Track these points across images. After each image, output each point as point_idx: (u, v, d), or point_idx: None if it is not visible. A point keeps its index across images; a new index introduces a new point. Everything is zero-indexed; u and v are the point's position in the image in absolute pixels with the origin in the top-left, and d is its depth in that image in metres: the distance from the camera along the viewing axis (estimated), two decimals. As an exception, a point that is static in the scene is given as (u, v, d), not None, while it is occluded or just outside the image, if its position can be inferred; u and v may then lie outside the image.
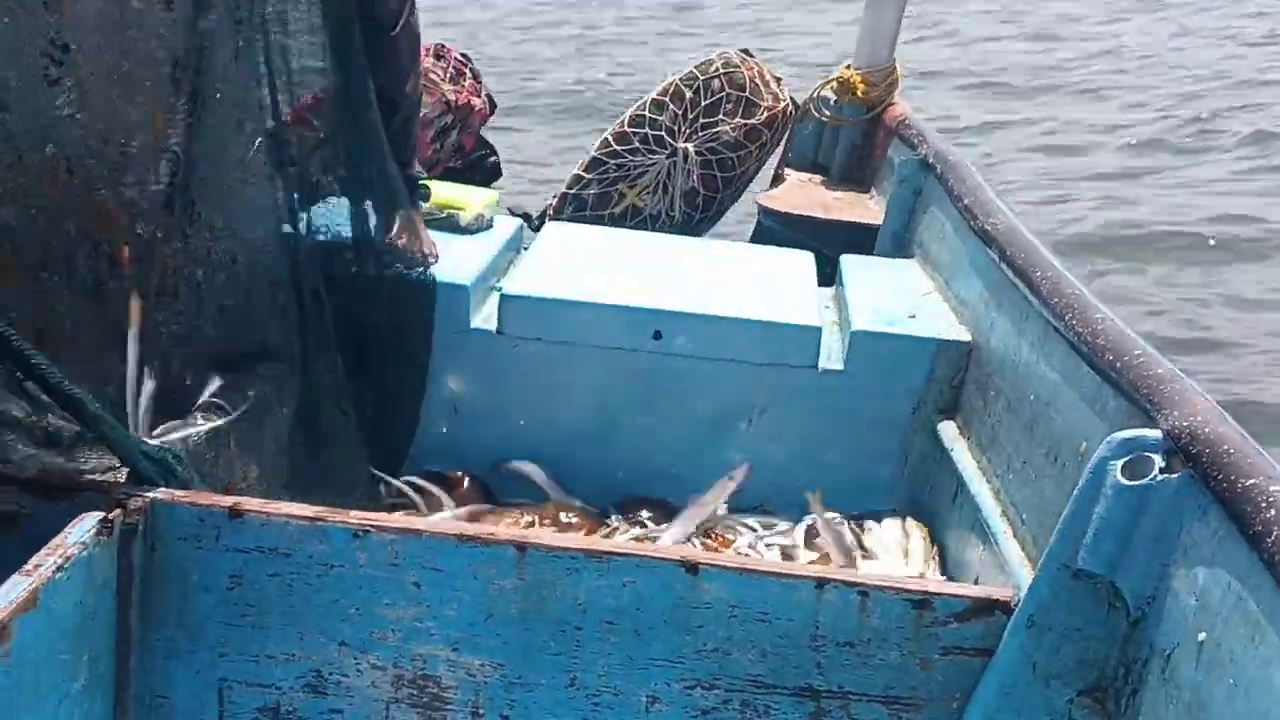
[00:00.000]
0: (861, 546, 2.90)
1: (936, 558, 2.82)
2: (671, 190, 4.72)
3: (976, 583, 2.45)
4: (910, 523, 2.97)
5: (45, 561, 1.68)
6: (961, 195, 3.31)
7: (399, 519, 1.99)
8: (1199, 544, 1.67)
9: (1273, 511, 1.51)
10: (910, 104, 4.70)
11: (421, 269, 3.04)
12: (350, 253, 2.93)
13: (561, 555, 1.92)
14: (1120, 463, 1.78)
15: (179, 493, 1.95)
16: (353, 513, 1.96)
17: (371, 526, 1.92)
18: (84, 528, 1.78)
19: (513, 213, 4.51)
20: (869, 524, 2.99)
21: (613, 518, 3.05)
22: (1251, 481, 1.57)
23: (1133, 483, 1.75)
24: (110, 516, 1.83)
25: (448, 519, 2.84)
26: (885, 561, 2.83)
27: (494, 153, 5.15)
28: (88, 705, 1.82)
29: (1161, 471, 1.74)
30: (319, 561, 1.92)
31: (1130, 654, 1.79)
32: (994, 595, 1.93)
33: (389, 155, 2.93)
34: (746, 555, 2.79)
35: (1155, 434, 1.78)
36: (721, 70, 4.76)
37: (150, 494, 1.90)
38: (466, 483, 3.06)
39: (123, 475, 1.93)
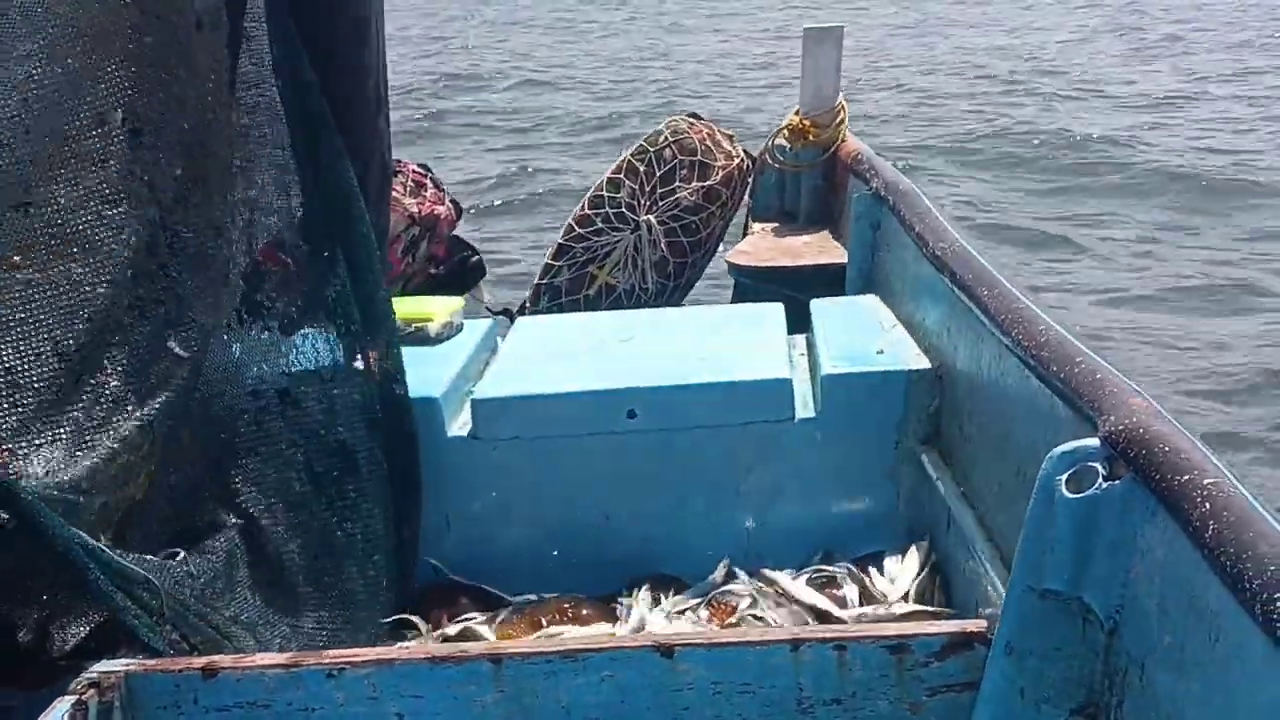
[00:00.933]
0: (868, 592, 2.87)
1: (940, 589, 2.80)
2: (641, 263, 4.76)
3: (976, 609, 2.42)
4: (912, 555, 2.94)
5: (20, 757, 1.69)
6: (913, 224, 3.31)
7: (373, 652, 2.00)
8: (1153, 547, 1.65)
9: (1208, 505, 1.50)
10: (864, 140, 4.73)
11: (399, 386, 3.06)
12: (331, 382, 2.96)
13: (537, 660, 1.92)
14: (1064, 476, 1.77)
15: (150, 661, 1.96)
16: (325, 652, 1.96)
17: (345, 663, 1.93)
18: (59, 714, 1.80)
19: (492, 311, 4.56)
20: (874, 569, 2.97)
21: (622, 600, 3.03)
22: (1187, 478, 1.56)
23: (1079, 495, 1.74)
24: (85, 698, 1.84)
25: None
26: (895, 603, 2.80)
27: (474, 251, 5.18)
28: None
29: (1104, 479, 1.73)
30: (298, 707, 1.92)
31: (1112, 665, 1.77)
32: (968, 628, 1.91)
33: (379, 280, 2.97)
34: (752, 619, 2.77)
35: (1094, 442, 1.77)
36: (671, 138, 4.81)
37: (122, 668, 1.91)
38: (464, 599, 3.05)
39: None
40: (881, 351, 3.10)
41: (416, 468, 3.04)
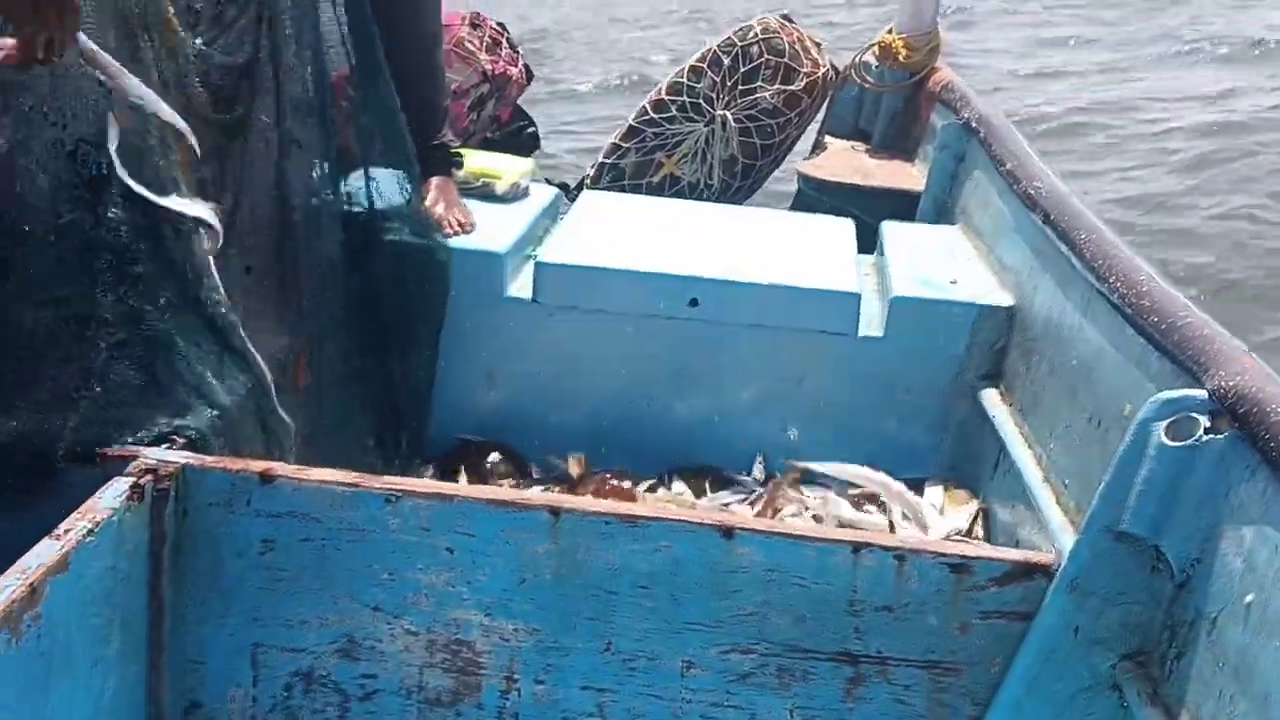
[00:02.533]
0: (912, 510, 2.87)
1: (981, 524, 2.78)
2: (710, 159, 4.67)
3: (1018, 548, 2.41)
4: (954, 489, 2.93)
5: (76, 525, 1.67)
6: (1004, 159, 3.25)
7: (431, 484, 1.98)
8: (1246, 505, 1.63)
9: None
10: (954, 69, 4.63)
11: (435, 238, 3.02)
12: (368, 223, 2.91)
13: (595, 520, 1.91)
14: (1164, 424, 1.74)
15: (209, 459, 1.94)
16: (385, 478, 1.95)
17: (403, 492, 1.91)
18: (115, 492, 1.78)
19: (550, 183, 4.49)
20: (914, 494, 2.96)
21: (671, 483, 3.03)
22: None
23: (1177, 444, 1.71)
24: (141, 482, 1.83)
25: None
26: (931, 528, 2.79)
27: (532, 123, 5.11)
28: (121, 669, 1.82)
29: (1206, 432, 1.70)
30: (351, 527, 1.91)
31: (1175, 617, 1.76)
32: (1034, 559, 1.89)
33: (404, 127, 2.92)
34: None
35: (1200, 394, 1.74)
36: (760, 36, 4.70)
37: (181, 459, 1.90)
38: (497, 455, 3.04)
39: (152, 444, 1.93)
40: (955, 281, 3.06)
41: (441, 320, 3.02)
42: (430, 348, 3.03)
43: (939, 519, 2.80)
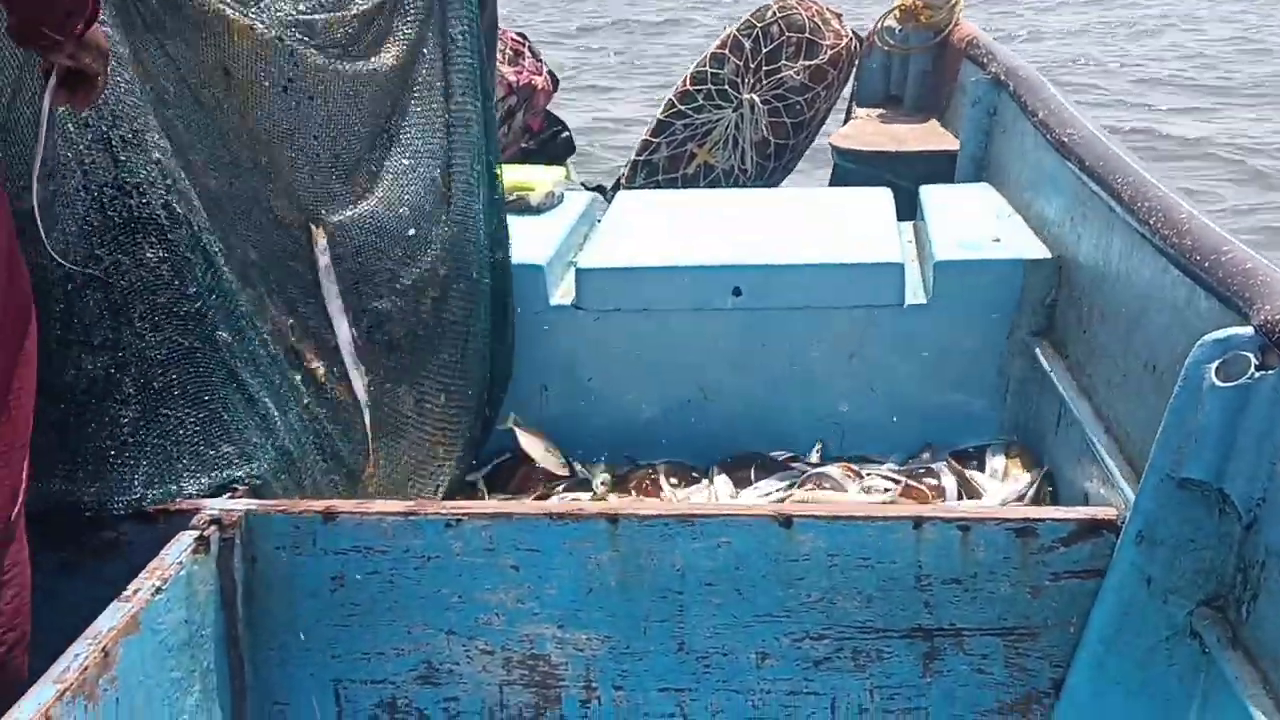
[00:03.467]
0: (967, 484, 2.84)
1: (1045, 485, 2.75)
2: (742, 143, 4.66)
3: (1087, 504, 2.38)
4: (1015, 453, 2.90)
5: (143, 585, 1.71)
6: (1036, 110, 3.21)
7: (491, 505, 2.00)
8: None
9: None
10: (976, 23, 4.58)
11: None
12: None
13: (654, 523, 1.91)
14: (1214, 365, 1.71)
15: (271, 503, 1.98)
16: (444, 503, 1.97)
17: (464, 515, 1.93)
18: (180, 547, 1.82)
19: (586, 187, 4.50)
20: (973, 462, 2.93)
21: (714, 478, 3.02)
22: None
23: (1228, 384, 1.68)
24: (206, 534, 1.86)
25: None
26: (993, 496, 2.77)
27: (565, 128, 5.13)
28: (205, 718, 1.86)
29: (1257, 369, 1.67)
30: (415, 555, 1.93)
31: (1246, 559, 1.73)
32: (1098, 515, 1.87)
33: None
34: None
35: (1247, 331, 1.71)
36: (778, 15, 4.68)
37: (243, 507, 1.93)
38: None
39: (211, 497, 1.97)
40: (998, 240, 3.02)
41: (511, 337, 3.03)
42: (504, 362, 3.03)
43: (999, 486, 2.77)
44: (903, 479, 2.89)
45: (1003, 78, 3.63)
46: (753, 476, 2.98)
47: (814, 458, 3.04)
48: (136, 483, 1.95)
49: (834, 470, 2.95)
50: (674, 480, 2.98)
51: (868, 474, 2.94)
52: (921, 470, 2.94)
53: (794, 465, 3.03)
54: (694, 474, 3.03)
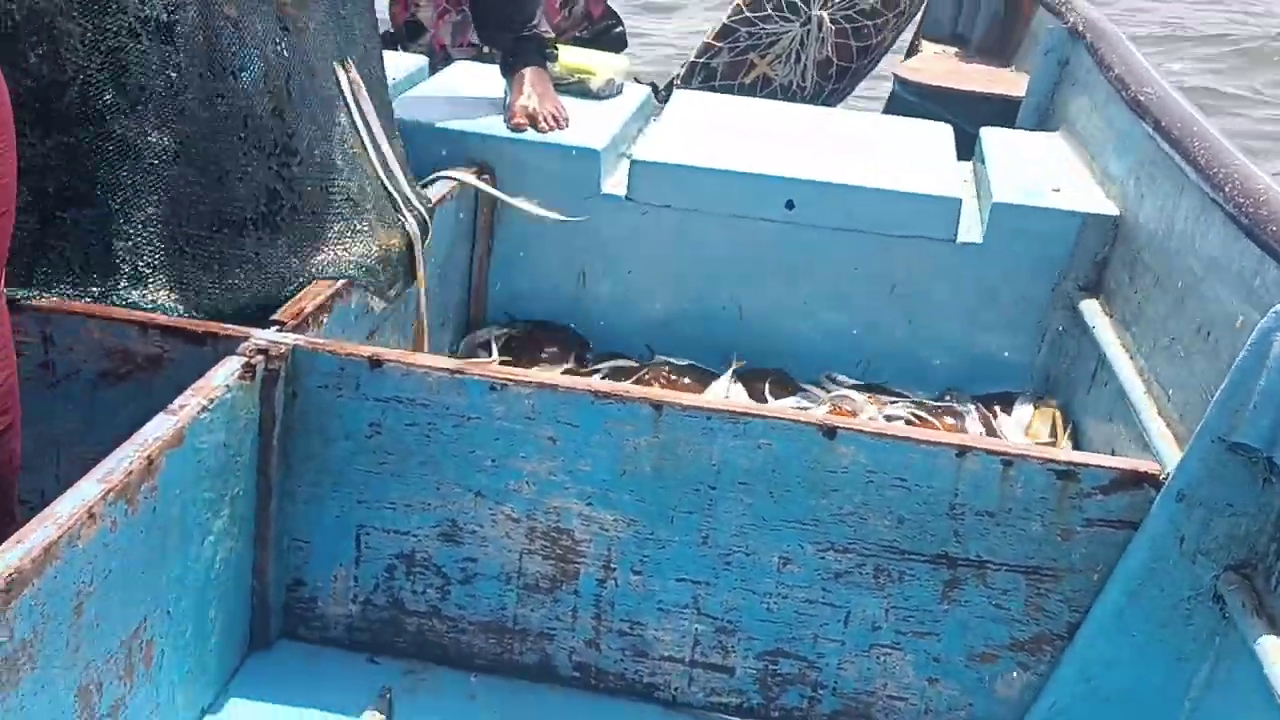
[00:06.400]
0: (990, 430, 2.84)
1: (1069, 439, 2.75)
2: (804, 60, 4.57)
3: None
4: (1041, 404, 2.90)
5: (190, 401, 1.70)
6: (1112, 65, 3.16)
7: (538, 375, 1.99)
8: None
9: None
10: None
11: None
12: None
13: (697, 415, 1.91)
14: None
15: (319, 341, 1.97)
16: (492, 365, 1.96)
17: (509, 380, 1.92)
18: (228, 370, 1.81)
19: (639, 81, 4.43)
20: (998, 409, 2.93)
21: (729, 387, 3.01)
22: None
23: None
24: (253, 362, 1.85)
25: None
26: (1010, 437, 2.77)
27: (620, 22, 5.04)
28: (229, 544, 1.86)
29: None
30: (456, 413, 1.93)
31: None
32: (1142, 468, 1.87)
33: None
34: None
35: None
36: (859, -66, 4.58)
37: (291, 340, 1.92)
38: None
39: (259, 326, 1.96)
40: (1059, 190, 2.99)
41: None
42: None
43: (1022, 436, 2.77)
44: (926, 415, 2.90)
45: (1080, 28, 3.57)
46: (766, 391, 2.98)
47: (844, 380, 3.04)
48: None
49: (858, 396, 2.95)
50: (686, 380, 2.98)
51: (892, 403, 2.94)
52: (943, 409, 2.95)
53: (806, 388, 3.03)
54: (710, 379, 3.03)
